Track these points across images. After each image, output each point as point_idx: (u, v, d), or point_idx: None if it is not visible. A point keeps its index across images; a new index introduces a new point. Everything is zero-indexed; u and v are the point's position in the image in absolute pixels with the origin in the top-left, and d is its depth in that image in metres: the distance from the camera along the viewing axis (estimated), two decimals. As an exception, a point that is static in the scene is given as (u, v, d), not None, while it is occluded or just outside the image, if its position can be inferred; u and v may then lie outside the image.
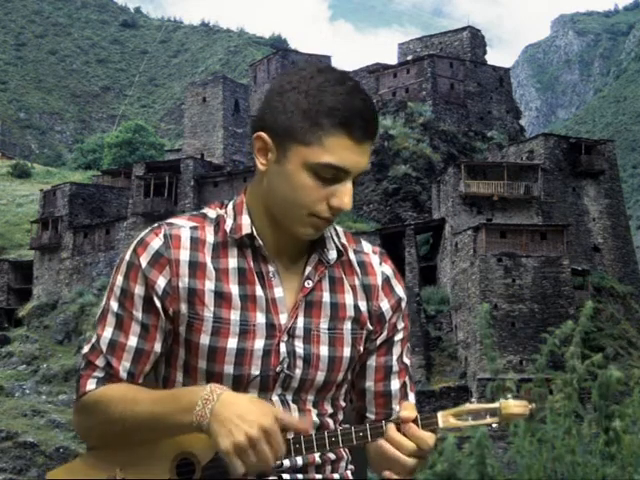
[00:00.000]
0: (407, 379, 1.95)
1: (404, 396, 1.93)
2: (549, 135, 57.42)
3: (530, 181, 51.51)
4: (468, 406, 1.69)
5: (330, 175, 1.71)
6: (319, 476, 1.84)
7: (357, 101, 1.70)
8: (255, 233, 1.80)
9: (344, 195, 1.72)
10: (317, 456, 1.82)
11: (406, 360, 1.95)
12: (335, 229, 1.89)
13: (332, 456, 1.86)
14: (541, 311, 44.33)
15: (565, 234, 46.57)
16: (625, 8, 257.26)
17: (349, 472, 1.91)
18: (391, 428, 1.69)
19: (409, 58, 71.48)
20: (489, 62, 72.84)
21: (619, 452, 2.34)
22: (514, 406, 1.66)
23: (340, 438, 1.71)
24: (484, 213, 50.60)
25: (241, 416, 1.62)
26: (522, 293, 44.63)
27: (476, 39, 75.08)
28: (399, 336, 1.93)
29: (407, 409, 1.72)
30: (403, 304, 1.93)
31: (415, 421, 1.69)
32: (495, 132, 66.29)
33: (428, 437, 1.69)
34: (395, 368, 1.92)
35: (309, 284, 1.82)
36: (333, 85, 1.71)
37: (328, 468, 1.86)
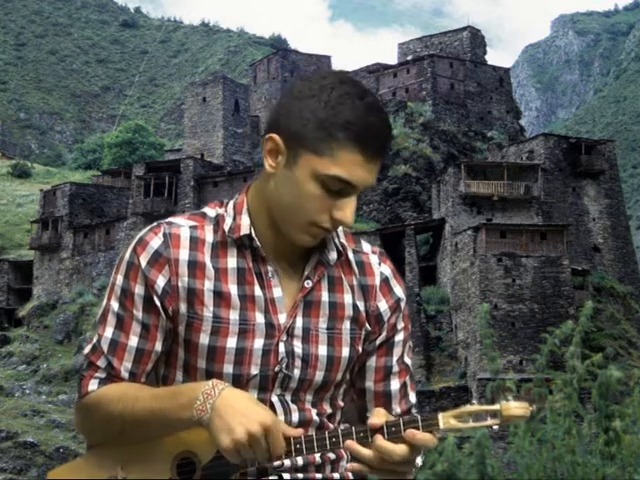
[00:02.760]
0: (408, 379, 1.94)
1: (404, 396, 1.93)
2: (549, 135, 57.42)
3: (530, 181, 51.52)
4: (469, 407, 1.69)
5: (337, 188, 1.71)
6: (319, 475, 1.84)
7: (374, 118, 1.70)
8: (254, 234, 1.80)
9: (347, 209, 1.74)
10: (317, 456, 1.82)
11: (407, 360, 1.94)
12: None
13: (332, 456, 1.86)
14: (541, 311, 44.34)
15: (565, 234, 46.57)
16: (625, 8, 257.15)
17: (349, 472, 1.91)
18: (378, 438, 1.67)
19: (409, 58, 71.52)
20: (489, 62, 72.88)
21: (619, 452, 2.34)
22: (515, 408, 1.66)
23: (341, 438, 1.71)
24: (484, 213, 50.61)
25: (242, 413, 1.63)
26: (522, 293, 44.64)
27: (476, 39, 75.10)
28: (399, 337, 1.92)
29: (377, 416, 1.70)
30: (402, 304, 1.93)
31: (416, 422, 1.69)
32: (495, 132, 66.32)
33: (431, 438, 1.69)
34: (395, 369, 1.92)
35: (308, 284, 1.82)
36: (353, 99, 1.70)
37: (328, 468, 1.86)
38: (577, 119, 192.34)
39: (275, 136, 1.74)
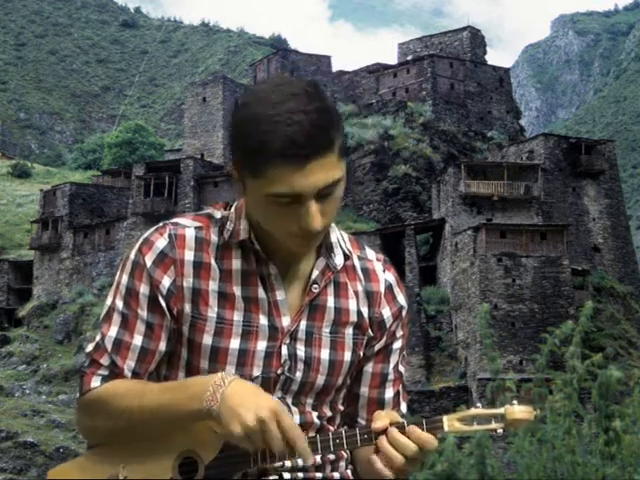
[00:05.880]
0: (401, 388, 1.96)
1: (396, 405, 1.94)
2: (549, 135, 57.41)
3: (530, 181, 51.50)
4: (473, 410, 1.70)
5: (287, 201, 1.67)
6: (319, 475, 1.85)
7: (292, 127, 1.61)
8: (253, 238, 1.81)
9: (308, 217, 1.67)
10: (318, 456, 1.82)
11: (401, 369, 1.96)
12: (341, 234, 1.90)
13: (332, 456, 1.86)
14: (541, 311, 44.32)
15: (565, 234, 46.55)
16: (625, 8, 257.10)
17: (349, 471, 1.91)
18: (394, 430, 1.70)
19: (409, 58, 71.47)
20: (489, 62, 72.82)
21: (619, 452, 2.34)
22: (519, 412, 1.67)
23: (345, 440, 1.71)
24: (484, 213, 50.59)
25: (251, 400, 1.63)
26: (522, 293, 44.62)
27: (476, 39, 75.05)
28: (397, 344, 1.94)
29: (380, 419, 1.71)
30: (404, 312, 1.94)
31: (420, 425, 1.70)
32: (495, 132, 66.28)
33: (431, 439, 1.69)
34: (391, 376, 1.93)
35: (316, 289, 1.83)
36: (266, 116, 1.63)
37: (328, 468, 1.87)
38: (577, 119, 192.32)
39: (232, 164, 1.75)
